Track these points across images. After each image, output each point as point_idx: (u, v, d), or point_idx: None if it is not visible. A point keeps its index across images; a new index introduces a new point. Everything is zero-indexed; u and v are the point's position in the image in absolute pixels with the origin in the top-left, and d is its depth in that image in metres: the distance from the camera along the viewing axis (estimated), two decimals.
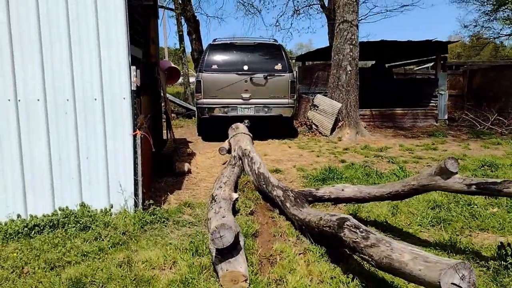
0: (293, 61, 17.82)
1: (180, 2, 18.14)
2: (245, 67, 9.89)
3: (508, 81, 14.38)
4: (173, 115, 14.17)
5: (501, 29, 24.48)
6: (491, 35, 25.56)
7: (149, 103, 6.82)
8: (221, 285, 2.91)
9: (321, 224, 3.37)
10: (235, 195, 4.59)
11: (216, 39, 10.79)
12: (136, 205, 4.16)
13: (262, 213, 4.54)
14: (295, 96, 10.22)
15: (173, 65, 8.44)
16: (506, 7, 22.34)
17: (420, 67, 21.62)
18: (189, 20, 18.20)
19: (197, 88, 9.87)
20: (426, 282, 2.27)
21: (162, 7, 18.83)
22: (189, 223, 4.18)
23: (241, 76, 9.81)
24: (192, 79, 21.92)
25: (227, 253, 3.05)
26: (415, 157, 7.54)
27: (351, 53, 10.16)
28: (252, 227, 3.92)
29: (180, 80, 17.72)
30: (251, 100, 9.79)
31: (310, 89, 13.28)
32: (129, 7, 4.07)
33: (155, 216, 4.10)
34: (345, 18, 10.06)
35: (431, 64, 19.70)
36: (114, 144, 4.09)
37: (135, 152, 4.11)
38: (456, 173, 3.44)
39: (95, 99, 4.02)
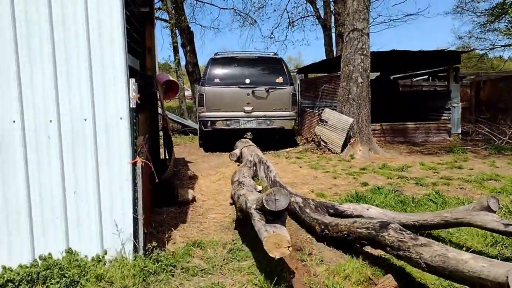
0: (295, 73, 17.26)
1: (174, 12, 17.54)
2: (247, 81, 10.21)
3: None
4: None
5: (499, 40, 24.18)
6: (487, 46, 25.28)
7: (146, 121, 6.09)
8: (264, 246, 2.92)
9: (354, 226, 3.54)
10: (259, 187, 5.16)
11: (218, 52, 11.14)
12: (136, 249, 3.40)
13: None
14: (296, 109, 10.52)
15: (171, 78, 7.73)
16: (504, 17, 22.09)
17: (417, 79, 21.11)
18: (183, 31, 17.60)
19: (199, 102, 10.16)
20: (489, 279, 2.30)
21: (156, 18, 18.23)
22: (201, 270, 3.44)
23: (243, 90, 10.13)
24: (187, 93, 21.26)
25: (272, 219, 3.21)
26: (442, 177, 6.86)
27: (362, 64, 9.55)
28: None
29: None
30: (253, 113, 10.10)
31: (314, 102, 12.65)
32: (126, 10, 3.39)
33: (159, 263, 3.35)
34: (355, 27, 9.47)
35: (425, 76, 19.21)
36: (109, 175, 3.35)
37: (134, 184, 3.38)
38: (495, 212, 3.49)
39: (85, 120, 3.30)
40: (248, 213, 3.63)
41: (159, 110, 8.08)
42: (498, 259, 3.55)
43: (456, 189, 6.07)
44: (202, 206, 5.38)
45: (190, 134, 13.62)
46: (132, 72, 4.57)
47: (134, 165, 3.37)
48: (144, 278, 3.16)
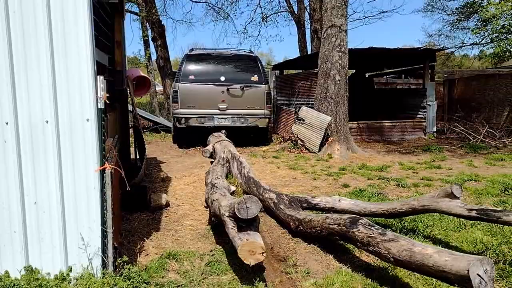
0: (269, 70, 17.05)
1: (144, 4, 16.99)
2: (222, 78, 10.21)
3: (492, 90, 14.12)
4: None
5: (468, 39, 24.71)
6: (456, 44, 25.77)
7: (116, 120, 5.74)
8: (238, 254, 3.02)
9: (326, 222, 3.64)
10: (232, 187, 5.31)
11: (193, 49, 11.11)
12: (104, 265, 3.10)
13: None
14: (271, 107, 10.74)
15: (142, 73, 7.38)
16: (473, 16, 22.52)
17: (390, 76, 21.27)
18: (154, 24, 17.08)
19: (174, 98, 10.13)
20: (452, 273, 2.42)
21: (125, 10, 17.63)
22: (178, 286, 3.18)
23: (218, 87, 10.10)
24: (158, 88, 20.70)
25: (245, 226, 3.28)
26: (423, 178, 6.78)
27: (340, 61, 9.41)
28: None
29: None
30: (228, 111, 10.14)
31: (291, 100, 12.46)
32: (94, 2, 3.06)
33: (131, 280, 3.06)
34: (333, 23, 9.32)
35: (396, 74, 19.37)
36: (74, 183, 3.03)
37: (103, 193, 3.07)
38: (459, 198, 3.71)
39: (47, 122, 2.96)
40: (222, 220, 3.63)
41: (129, 108, 7.73)
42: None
43: (437, 190, 5.98)
44: (176, 211, 5.08)
45: (162, 132, 13.18)
46: (100, 68, 4.24)
47: (102, 172, 3.06)
48: None
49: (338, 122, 9.46)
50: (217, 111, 10.08)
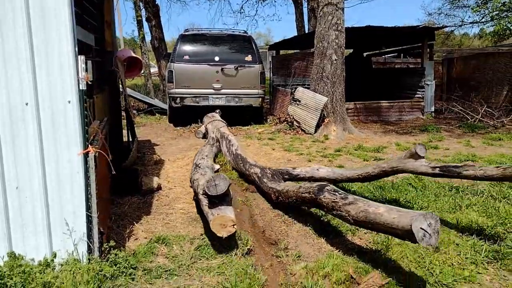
0: (266, 50, 16.82)
1: None
2: (216, 58, 10.39)
3: (491, 69, 13.96)
4: (133, 112, 12.84)
5: (468, 17, 24.35)
6: (456, 23, 25.40)
7: (105, 103, 5.63)
8: (211, 228, 3.26)
9: (300, 191, 3.84)
10: (217, 166, 5.55)
11: (188, 29, 11.28)
12: (90, 251, 3.04)
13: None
14: (264, 87, 10.81)
15: (134, 54, 7.23)
16: None
17: (388, 56, 21.01)
18: (148, 4, 16.78)
19: (169, 78, 10.32)
20: (399, 228, 2.62)
21: None
22: (166, 271, 3.12)
23: (213, 67, 10.29)
24: (153, 70, 20.45)
25: (218, 202, 3.48)
26: None
27: (336, 40, 9.24)
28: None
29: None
30: (222, 91, 10.35)
31: (287, 81, 12.31)
32: None
33: (117, 266, 3.01)
34: (329, 1, 9.11)
35: (395, 54, 19.11)
36: (57, 167, 2.95)
37: (87, 177, 2.99)
38: (424, 157, 3.99)
39: (27, 104, 2.86)
40: (198, 198, 3.82)
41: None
42: None
43: None
44: (168, 195, 5.02)
45: (157, 114, 13.03)
46: (85, 48, 4.12)
47: (86, 155, 2.98)
48: (100, 285, 2.81)
49: (334, 103, 9.35)
50: (211, 90, 10.27)
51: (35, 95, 2.86)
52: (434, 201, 4.47)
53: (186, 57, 10.25)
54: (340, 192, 3.38)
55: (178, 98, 10.22)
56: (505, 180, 3.56)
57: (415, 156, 3.99)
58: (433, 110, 12.43)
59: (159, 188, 5.17)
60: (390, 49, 16.99)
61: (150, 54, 19.55)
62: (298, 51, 14.88)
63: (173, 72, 10.16)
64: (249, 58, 10.45)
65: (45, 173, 2.94)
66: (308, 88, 9.97)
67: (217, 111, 9.64)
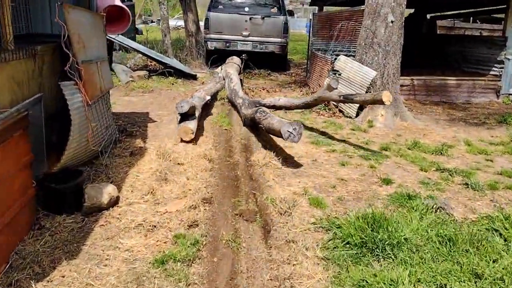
0: (307, 5, 14.82)
1: None
2: (246, 9, 12.50)
3: None
4: (144, 73, 11.30)
5: None
6: None
7: (38, 74, 4.09)
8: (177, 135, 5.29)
9: (249, 113, 6.17)
10: (208, 97, 7.38)
11: None
12: None
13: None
14: (288, 37, 12.78)
15: (118, 2, 5.62)
16: None
17: (457, 20, 18.17)
18: None
19: (205, 25, 12.54)
20: (277, 131, 4.82)
21: None
22: None
23: (242, 16, 12.33)
24: (172, 23, 18.68)
25: (185, 118, 5.65)
26: (502, 172, 4.89)
27: None
28: None
29: (159, 26, 15.18)
30: (250, 38, 12.38)
31: (328, 45, 10.35)
32: None
33: None
34: None
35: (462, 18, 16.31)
36: None
37: None
38: (336, 88, 5.89)
39: None
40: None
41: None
42: None
43: None
44: (122, 217, 3.50)
45: (171, 78, 11.31)
46: None
47: None
48: None
49: (385, 79, 7.46)
50: (240, 37, 12.35)
51: None
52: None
53: (221, 6, 12.47)
54: (265, 112, 5.59)
55: (213, 42, 12.41)
56: None
57: (330, 88, 5.77)
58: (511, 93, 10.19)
59: (114, 203, 3.67)
60: (462, 12, 14.41)
61: (169, 3, 17.77)
62: (346, 8, 12.73)
63: (209, 19, 12.29)
64: (274, 10, 12.49)
65: None
66: (353, 57, 8.08)
67: (244, 55, 11.79)
